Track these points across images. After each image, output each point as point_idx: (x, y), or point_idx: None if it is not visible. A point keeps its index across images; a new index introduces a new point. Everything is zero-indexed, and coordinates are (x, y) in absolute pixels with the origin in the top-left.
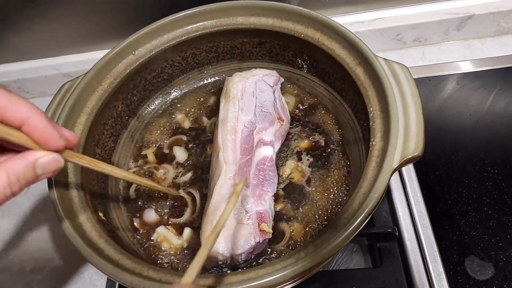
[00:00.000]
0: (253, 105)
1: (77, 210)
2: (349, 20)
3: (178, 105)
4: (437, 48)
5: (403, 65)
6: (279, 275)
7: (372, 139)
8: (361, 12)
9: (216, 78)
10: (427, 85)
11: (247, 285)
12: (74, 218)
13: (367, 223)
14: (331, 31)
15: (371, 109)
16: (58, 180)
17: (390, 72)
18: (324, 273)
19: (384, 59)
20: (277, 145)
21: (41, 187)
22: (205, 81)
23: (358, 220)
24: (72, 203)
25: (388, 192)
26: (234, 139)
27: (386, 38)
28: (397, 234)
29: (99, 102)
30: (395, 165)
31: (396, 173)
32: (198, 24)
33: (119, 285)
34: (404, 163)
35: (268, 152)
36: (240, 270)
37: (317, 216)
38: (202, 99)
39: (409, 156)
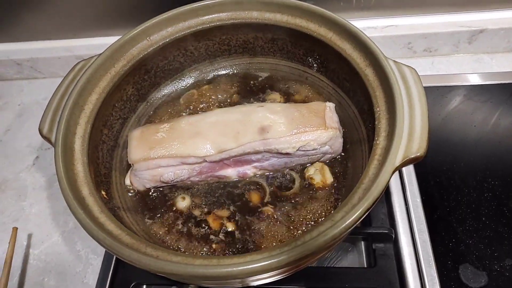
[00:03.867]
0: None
1: (80, 185)
2: (362, 25)
3: (188, 94)
4: (447, 59)
5: (412, 68)
6: (275, 260)
7: (376, 138)
8: (374, 18)
9: (227, 70)
10: (435, 94)
11: (243, 267)
12: (77, 191)
13: (364, 223)
14: (343, 31)
15: (378, 109)
16: (65, 155)
17: (399, 74)
18: (318, 269)
19: (394, 61)
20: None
21: (44, 165)
22: (216, 73)
23: (356, 214)
24: (77, 177)
25: (387, 194)
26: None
27: (397, 46)
28: (393, 236)
29: (110, 83)
30: (397, 163)
31: (397, 177)
32: (213, 15)
33: (114, 265)
34: (407, 162)
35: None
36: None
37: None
38: (211, 90)
39: (412, 156)
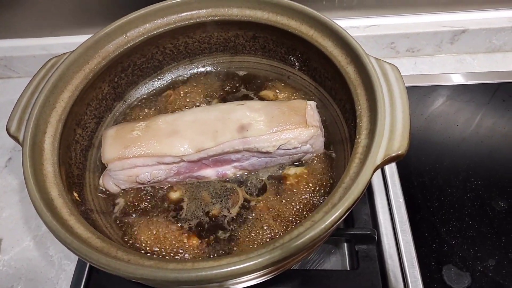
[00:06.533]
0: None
1: (50, 186)
2: (344, 25)
3: (167, 93)
4: (429, 59)
5: (394, 65)
6: (252, 263)
7: (357, 137)
8: (357, 17)
9: (208, 69)
10: (418, 94)
11: (218, 271)
12: (46, 193)
13: (347, 224)
14: (325, 28)
15: (359, 107)
16: (33, 154)
17: (380, 71)
18: (300, 272)
19: (376, 58)
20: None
21: (17, 167)
22: (196, 72)
23: (336, 214)
24: (46, 178)
25: (370, 195)
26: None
27: (380, 46)
28: (376, 237)
29: (84, 81)
30: (378, 162)
31: (380, 177)
32: (192, 12)
33: (88, 270)
34: (388, 160)
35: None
36: (213, 256)
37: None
38: (191, 89)
39: (393, 154)
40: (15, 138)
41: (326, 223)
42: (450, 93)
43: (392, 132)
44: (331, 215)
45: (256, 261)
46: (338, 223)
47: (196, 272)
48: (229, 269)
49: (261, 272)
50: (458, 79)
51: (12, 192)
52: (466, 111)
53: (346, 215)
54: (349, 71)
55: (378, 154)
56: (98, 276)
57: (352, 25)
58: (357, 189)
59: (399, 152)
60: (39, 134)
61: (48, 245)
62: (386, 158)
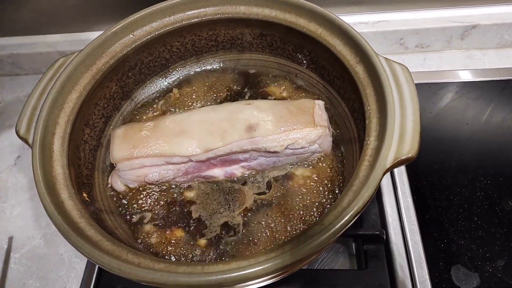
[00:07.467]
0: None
1: (60, 188)
2: (353, 20)
3: (174, 91)
4: (439, 55)
5: (404, 65)
6: (261, 267)
7: (367, 138)
8: (366, 13)
9: (215, 67)
10: (426, 92)
11: (229, 275)
12: (56, 195)
13: (355, 224)
14: (333, 26)
15: (368, 107)
16: (42, 157)
17: (390, 71)
18: (308, 272)
19: (385, 58)
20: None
21: (26, 164)
22: (204, 69)
23: (346, 218)
24: (56, 180)
25: (378, 195)
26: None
27: (389, 41)
28: (384, 237)
29: (92, 81)
30: (388, 165)
31: (388, 177)
32: (199, 10)
33: (98, 269)
34: (397, 163)
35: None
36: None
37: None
38: (198, 87)
39: (403, 157)
40: (25, 140)
41: (336, 227)
42: (459, 90)
43: (402, 135)
44: (340, 219)
45: (265, 266)
46: (347, 227)
47: (206, 276)
48: (238, 273)
49: (269, 276)
50: (467, 76)
51: (22, 190)
52: (475, 108)
53: (355, 219)
54: (358, 71)
55: (388, 157)
56: (108, 274)
57: (361, 20)
58: (367, 193)
59: (409, 155)
60: (48, 135)
61: (58, 243)
62: (396, 161)
